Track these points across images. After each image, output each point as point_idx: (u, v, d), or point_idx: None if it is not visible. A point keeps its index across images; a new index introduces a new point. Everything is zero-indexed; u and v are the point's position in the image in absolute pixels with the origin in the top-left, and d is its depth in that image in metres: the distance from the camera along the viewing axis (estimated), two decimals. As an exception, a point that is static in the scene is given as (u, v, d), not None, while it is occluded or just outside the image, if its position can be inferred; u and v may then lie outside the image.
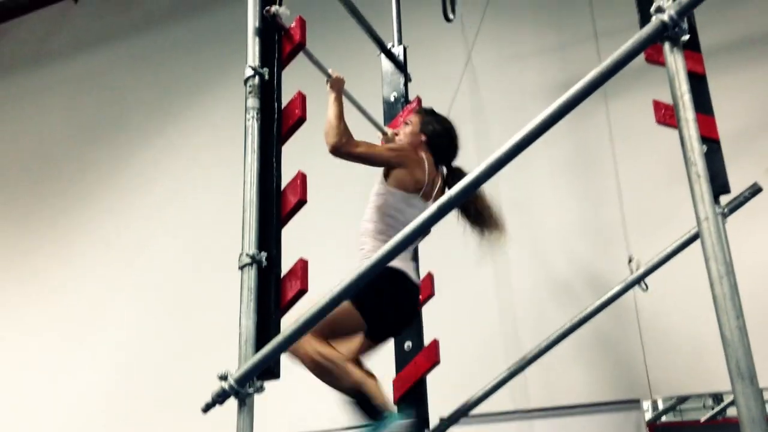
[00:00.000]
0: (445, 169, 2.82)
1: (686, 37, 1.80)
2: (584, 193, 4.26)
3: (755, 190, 2.89)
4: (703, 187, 1.65)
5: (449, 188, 2.75)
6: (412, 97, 3.53)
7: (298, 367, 2.45)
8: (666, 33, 1.78)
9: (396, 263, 2.38)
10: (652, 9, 1.80)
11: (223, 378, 1.99)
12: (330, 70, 2.70)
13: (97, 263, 5.51)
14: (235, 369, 2.01)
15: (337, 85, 2.67)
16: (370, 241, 2.56)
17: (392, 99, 3.52)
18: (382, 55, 3.56)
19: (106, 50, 6.34)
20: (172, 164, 5.71)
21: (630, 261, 3.08)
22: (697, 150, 1.69)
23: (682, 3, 1.76)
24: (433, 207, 1.90)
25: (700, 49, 2.81)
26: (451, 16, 2.29)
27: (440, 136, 2.78)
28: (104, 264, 5.51)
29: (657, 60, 2.51)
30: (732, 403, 3.57)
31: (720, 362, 3.57)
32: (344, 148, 2.47)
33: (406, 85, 3.56)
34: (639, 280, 3.02)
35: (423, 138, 2.75)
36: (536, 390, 3.62)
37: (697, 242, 2.90)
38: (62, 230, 5.88)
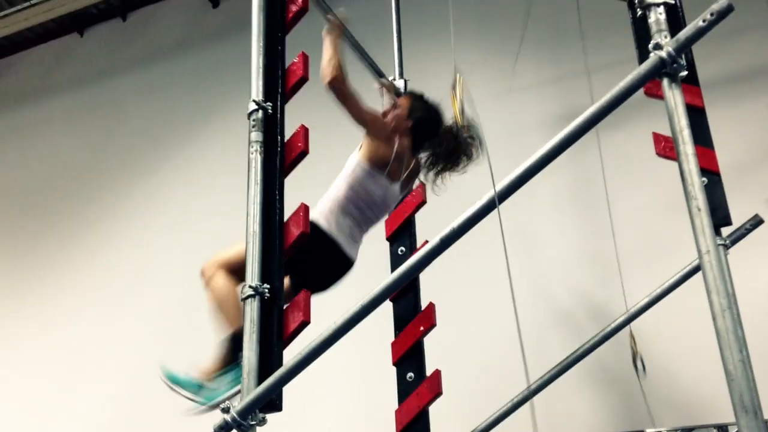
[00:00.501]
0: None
1: (684, 73, 1.83)
2: (584, 224, 4.29)
3: (756, 222, 2.91)
4: (704, 221, 1.66)
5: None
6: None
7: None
8: (664, 69, 1.81)
9: (334, 232, 2.58)
10: (651, 45, 1.83)
11: (226, 411, 1.99)
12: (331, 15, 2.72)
13: (99, 292, 5.53)
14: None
15: (337, 31, 2.69)
16: (326, 203, 2.66)
17: (394, 130, 3.55)
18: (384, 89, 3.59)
19: (110, 83, 6.42)
20: (174, 195, 5.75)
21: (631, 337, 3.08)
22: (697, 184, 1.71)
23: (679, 40, 1.80)
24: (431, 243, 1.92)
25: (699, 82, 2.85)
26: (461, 121, 2.33)
27: (426, 124, 2.81)
28: (105, 293, 5.52)
29: (656, 94, 2.54)
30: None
31: (723, 393, 3.55)
32: (339, 83, 2.53)
33: (407, 117, 3.59)
34: (640, 313, 3.02)
35: (409, 124, 2.78)
36: (540, 421, 3.59)
37: (699, 273, 2.93)
38: (65, 260, 5.90)
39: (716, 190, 2.71)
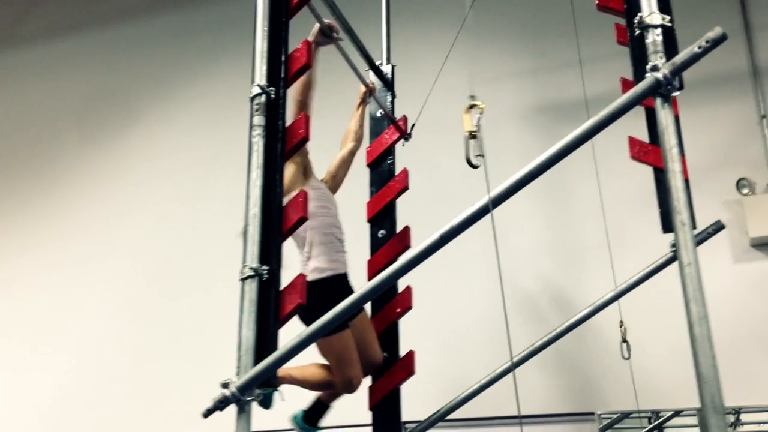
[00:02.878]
0: None
1: (677, 94, 1.96)
2: (559, 214, 4.46)
3: (719, 227, 3.10)
4: (687, 235, 1.81)
5: None
6: (398, 114, 3.65)
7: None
8: (659, 89, 1.94)
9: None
10: (648, 67, 1.95)
11: (225, 386, 2.07)
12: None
13: (69, 257, 5.52)
14: (234, 376, 2.11)
15: (317, 40, 2.89)
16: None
17: (378, 115, 3.63)
18: (371, 72, 3.65)
19: (82, 37, 6.29)
20: (143, 159, 5.72)
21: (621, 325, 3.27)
22: (682, 200, 1.85)
23: (675, 64, 1.93)
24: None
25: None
26: (475, 162, 2.37)
27: None
28: (68, 258, 5.51)
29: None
30: (668, 419, 3.86)
31: (661, 382, 3.79)
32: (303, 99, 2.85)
33: (392, 102, 3.67)
34: (610, 302, 3.20)
35: None
36: (503, 400, 3.78)
37: (661, 274, 3.12)
38: (26, 222, 5.83)
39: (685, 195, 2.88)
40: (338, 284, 2.98)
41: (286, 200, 2.39)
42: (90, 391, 5.03)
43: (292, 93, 2.77)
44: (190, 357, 4.83)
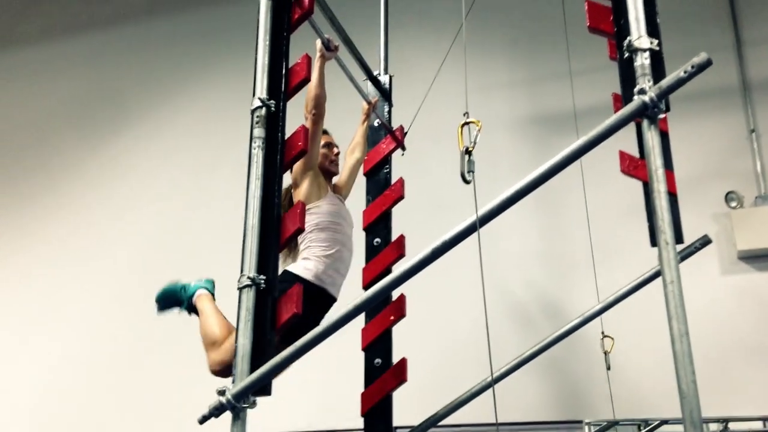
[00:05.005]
0: None
1: (663, 116, 2.03)
2: (550, 223, 4.53)
3: (705, 242, 3.17)
4: (671, 254, 1.88)
5: None
6: (395, 124, 3.71)
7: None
8: (646, 112, 2.00)
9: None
10: (636, 89, 2.02)
11: (221, 393, 2.13)
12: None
13: (64, 256, 5.56)
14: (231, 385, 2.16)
15: (322, 58, 2.93)
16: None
17: (375, 125, 3.69)
18: (368, 82, 3.72)
19: (79, 39, 6.34)
20: (139, 160, 5.78)
21: (603, 338, 3.33)
22: (667, 220, 1.92)
23: (662, 87, 1.99)
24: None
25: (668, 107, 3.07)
26: (468, 177, 2.43)
27: None
28: (62, 255, 5.57)
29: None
30: (655, 428, 3.92)
31: (650, 391, 3.84)
32: (318, 119, 2.86)
33: (389, 112, 3.74)
34: (599, 314, 3.27)
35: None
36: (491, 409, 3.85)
37: (649, 284, 3.19)
38: (24, 217, 5.88)
39: (673, 210, 2.95)
40: (318, 298, 2.86)
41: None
42: (81, 392, 5.08)
43: (309, 108, 2.83)
44: (186, 362, 4.86)
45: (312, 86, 2.84)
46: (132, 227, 5.53)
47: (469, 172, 2.36)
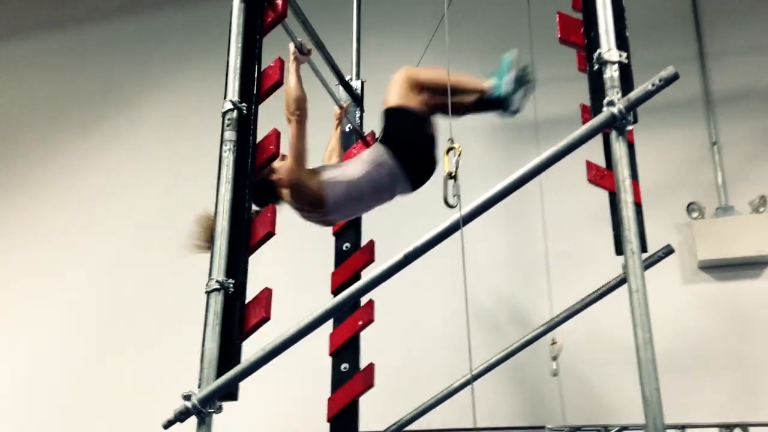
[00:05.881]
0: None
1: (631, 128, 2.07)
2: (513, 229, 4.58)
3: (668, 251, 3.24)
4: (637, 263, 1.91)
5: None
6: (366, 129, 3.72)
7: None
8: (615, 123, 2.04)
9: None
10: (605, 101, 2.06)
11: (187, 398, 2.11)
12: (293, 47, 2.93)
13: (24, 259, 5.45)
14: (197, 389, 2.14)
15: (296, 61, 2.93)
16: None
17: (347, 130, 3.69)
18: (340, 87, 3.72)
19: (50, 37, 6.24)
20: (103, 160, 5.72)
21: (553, 343, 3.38)
22: (633, 229, 1.96)
23: (630, 99, 2.03)
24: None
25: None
26: (451, 202, 2.46)
27: None
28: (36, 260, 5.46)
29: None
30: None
31: (611, 398, 3.91)
32: (302, 118, 2.83)
33: (361, 118, 3.74)
34: (563, 321, 3.32)
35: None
36: (458, 414, 3.87)
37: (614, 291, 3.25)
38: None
39: (638, 220, 3.01)
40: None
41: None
42: (47, 394, 4.98)
43: (292, 109, 2.80)
44: (153, 365, 4.82)
45: (291, 89, 2.83)
46: (103, 230, 5.44)
47: (454, 195, 2.39)
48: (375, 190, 2.90)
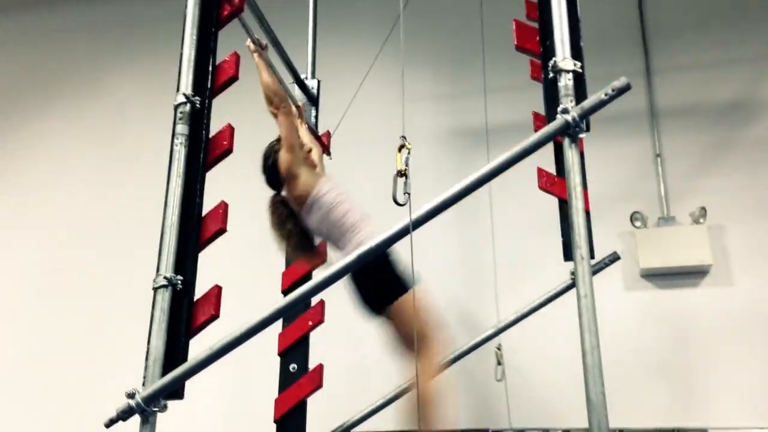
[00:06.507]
0: None
1: (584, 135, 2.12)
2: (463, 233, 4.62)
3: (614, 258, 3.32)
4: (585, 268, 1.95)
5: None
6: (321, 129, 3.70)
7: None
8: (568, 131, 2.08)
9: None
10: (559, 109, 2.10)
11: (131, 396, 2.05)
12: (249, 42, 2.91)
13: None
14: (141, 386, 2.09)
15: (258, 56, 2.92)
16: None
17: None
18: (295, 85, 3.69)
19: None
20: (61, 146, 5.58)
21: (498, 349, 3.42)
22: (583, 236, 2.00)
23: (584, 108, 2.08)
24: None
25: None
26: (400, 200, 2.45)
27: None
28: None
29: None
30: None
31: (555, 401, 3.98)
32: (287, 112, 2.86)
33: (316, 117, 3.72)
34: (511, 325, 3.36)
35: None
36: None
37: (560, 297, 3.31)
38: None
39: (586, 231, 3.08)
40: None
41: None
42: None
43: (275, 103, 2.82)
44: (95, 362, 4.68)
45: (267, 84, 2.84)
46: (45, 222, 5.28)
47: (405, 193, 2.38)
48: (336, 232, 2.86)
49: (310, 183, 2.85)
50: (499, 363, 3.40)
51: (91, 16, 5.99)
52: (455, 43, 5.19)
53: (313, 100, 3.73)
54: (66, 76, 5.84)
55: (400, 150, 2.51)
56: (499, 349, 3.43)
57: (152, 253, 2.32)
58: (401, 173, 2.44)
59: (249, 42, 2.89)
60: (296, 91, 3.66)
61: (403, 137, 2.54)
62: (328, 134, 3.67)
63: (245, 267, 4.45)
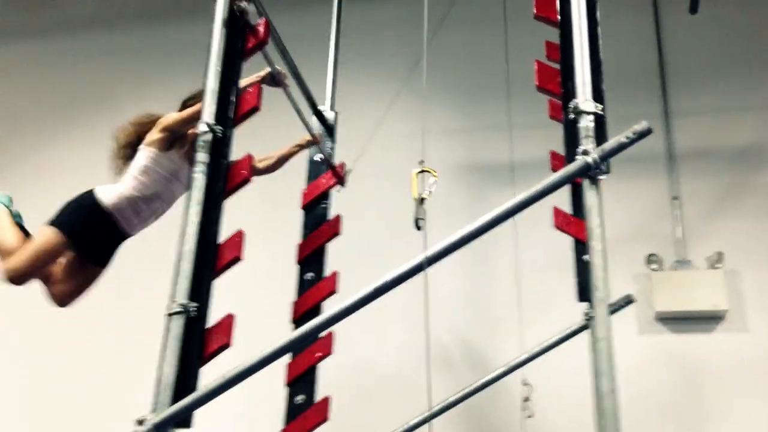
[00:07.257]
0: None
1: (604, 177, 2.11)
2: (480, 270, 4.60)
3: (629, 301, 3.29)
4: (604, 311, 1.93)
5: None
6: (336, 160, 3.71)
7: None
8: (588, 172, 2.08)
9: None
10: (579, 150, 2.10)
11: (140, 422, 2.04)
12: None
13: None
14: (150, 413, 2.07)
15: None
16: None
17: (318, 159, 3.68)
18: (313, 117, 3.72)
19: (16, 47, 6.16)
20: (57, 177, 5.62)
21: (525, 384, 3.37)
22: (601, 278, 1.98)
23: (604, 150, 2.08)
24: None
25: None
26: (420, 225, 2.46)
27: None
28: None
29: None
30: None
31: None
32: None
33: (332, 148, 3.74)
34: (523, 364, 3.32)
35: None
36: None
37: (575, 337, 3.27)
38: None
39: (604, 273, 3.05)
40: (106, 224, 3.02)
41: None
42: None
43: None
44: (108, 387, 4.65)
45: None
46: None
47: (419, 219, 2.38)
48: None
49: (154, 143, 3.04)
50: (525, 399, 3.34)
51: (104, 45, 6.09)
52: (477, 79, 5.22)
53: (330, 131, 3.75)
54: (78, 104, 5.90)
55: (418, 175, 2.50)
56: (525, 385, 3.37)
57: (165, 277, 2.33)
58: (421, 199, 2.43)
59: (267, 69, 2.94)
60: (314, 122, 3.69)
61: (422, 162, 2.53)
62: (342, 165, 3.68)
63: (255, 295, 4.43)
